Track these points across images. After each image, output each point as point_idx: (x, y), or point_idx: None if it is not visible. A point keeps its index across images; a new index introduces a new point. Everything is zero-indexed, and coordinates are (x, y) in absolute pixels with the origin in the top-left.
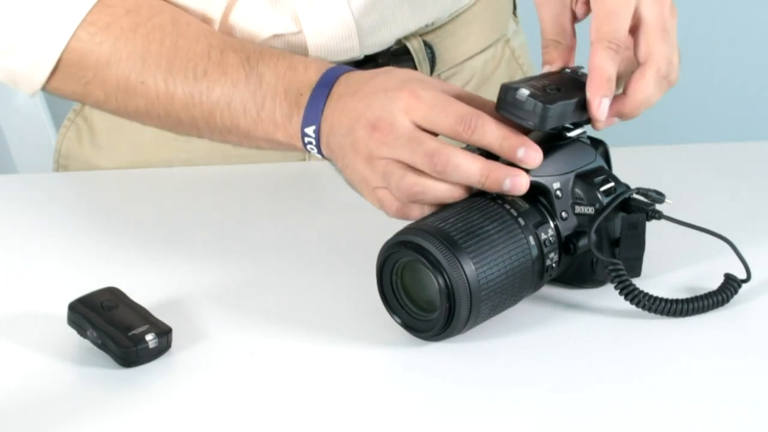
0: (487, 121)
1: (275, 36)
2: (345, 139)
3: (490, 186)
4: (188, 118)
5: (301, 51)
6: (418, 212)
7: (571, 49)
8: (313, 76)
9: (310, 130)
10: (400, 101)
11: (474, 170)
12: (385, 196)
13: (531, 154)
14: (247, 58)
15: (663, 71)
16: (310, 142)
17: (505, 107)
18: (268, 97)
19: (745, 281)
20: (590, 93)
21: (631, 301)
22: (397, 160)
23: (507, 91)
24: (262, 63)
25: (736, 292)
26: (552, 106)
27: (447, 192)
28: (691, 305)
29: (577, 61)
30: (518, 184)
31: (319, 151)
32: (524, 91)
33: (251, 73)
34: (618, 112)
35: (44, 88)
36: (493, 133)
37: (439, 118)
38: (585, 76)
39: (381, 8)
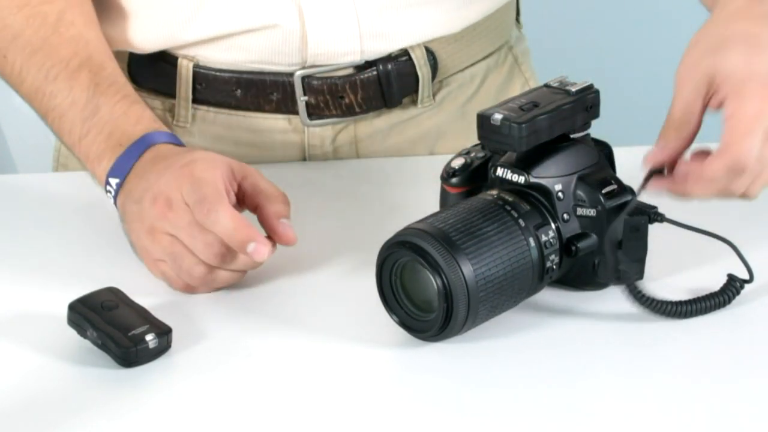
0: (221, 215)
1: (275, 26)
2: (135, 206)
3: (237, 245)
4: (30, 104)
5: (302, 48)
6: (205, 289)
7: (691, 136)
8: (138, 132)
9: (113, 181)
10: (179, 181)
11: (229, 226)
12: (170, 272)
13: (260, 249)
14: (96, 84)
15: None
16: (110, 191)
17: (484, 135)
18: (93, 131)
19: (747, 282)
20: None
21: (642, 304)
22: (181, 242)
23: (482, 119)
24: (105, 96)
25: (738, 292)
26: (526, 124)
27: (231, 278)
28: (692, 306)
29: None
30: (260, 251)
31: (115, 203)
32: (497, 116)
33: (91, 100)
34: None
35: None
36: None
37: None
38: (565, 85)
39: (387, 17)
